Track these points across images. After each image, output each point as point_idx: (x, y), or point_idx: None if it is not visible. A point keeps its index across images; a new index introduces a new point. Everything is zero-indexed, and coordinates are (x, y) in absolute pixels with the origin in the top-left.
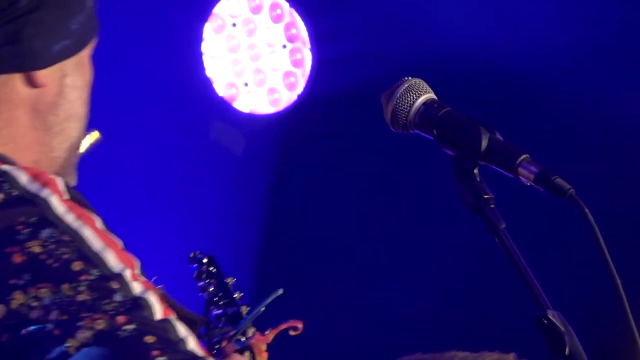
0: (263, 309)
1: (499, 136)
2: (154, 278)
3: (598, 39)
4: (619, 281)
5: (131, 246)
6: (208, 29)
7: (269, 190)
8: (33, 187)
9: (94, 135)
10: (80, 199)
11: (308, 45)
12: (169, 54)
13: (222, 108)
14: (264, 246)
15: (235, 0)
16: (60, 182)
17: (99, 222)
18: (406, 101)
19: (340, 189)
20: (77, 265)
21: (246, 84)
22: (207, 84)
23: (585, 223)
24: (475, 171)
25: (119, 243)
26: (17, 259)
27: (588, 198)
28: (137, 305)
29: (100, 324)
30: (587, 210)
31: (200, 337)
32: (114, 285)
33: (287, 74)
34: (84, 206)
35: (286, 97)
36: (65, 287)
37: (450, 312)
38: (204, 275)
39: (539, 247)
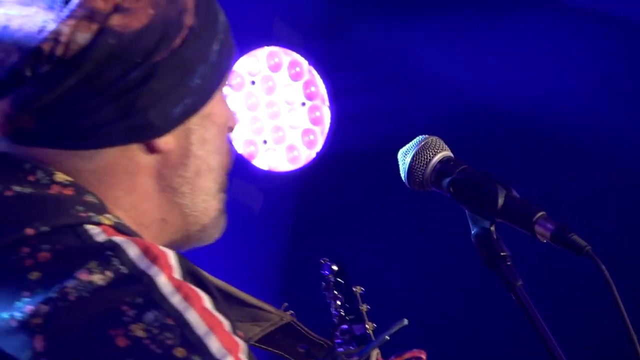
0: (388, 338)
1: (515, 193)
2: (284, 305)
3: (614, 91)
4: (635, 337)
5: None
6: (227, 87)
7: (286, 248)
8: (142, 263)
9: None
10: (193, 273)
11: (327, 102)
12: None
13: (241, 165)
14: (281, 304)
15: (254, 58)
16: (171, 257)
17: (207, 301)
18: (422, 159)
19: (359, 248)
20: (179, 352)
21: (265, 142)
22: None
23: (602, 280)
24: (492, 228)
25: (226, 324)
26: (121, 342)
27: (605, 251)
28: None
29: None
30: (603, 267)
31: None
32: None
33: (306, 132)
34: (196, 280)
35: (305, 155)
36: None
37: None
38: (332, 285)
39: (555, 302)
